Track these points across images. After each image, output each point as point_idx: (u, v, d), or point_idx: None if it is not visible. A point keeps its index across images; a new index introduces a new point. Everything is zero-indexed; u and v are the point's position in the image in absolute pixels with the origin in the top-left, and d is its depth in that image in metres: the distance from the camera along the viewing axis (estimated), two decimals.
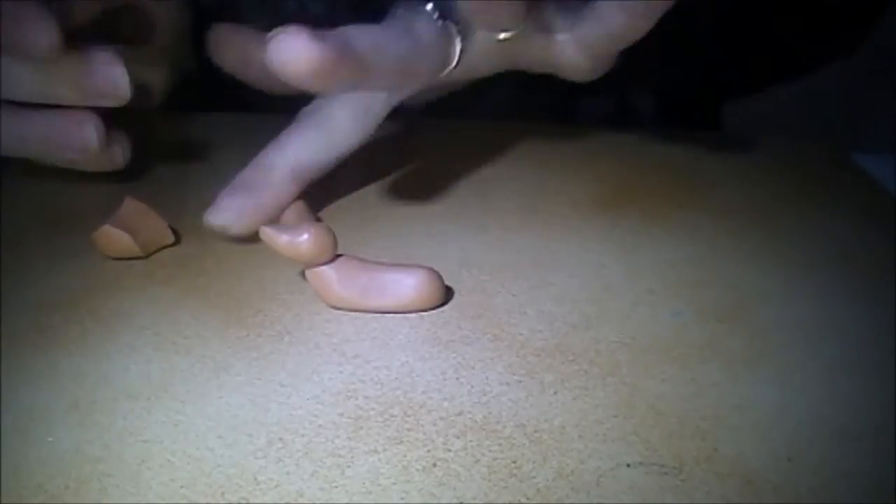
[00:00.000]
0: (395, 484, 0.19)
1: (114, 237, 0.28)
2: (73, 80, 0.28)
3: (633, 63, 0.31)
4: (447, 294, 0.26)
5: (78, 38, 0.29)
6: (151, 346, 0.24)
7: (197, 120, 0.42)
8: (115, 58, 0.28)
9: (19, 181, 0.35)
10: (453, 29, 0.28)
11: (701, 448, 0.20)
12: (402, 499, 0.19)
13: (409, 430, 0.21)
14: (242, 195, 0.28)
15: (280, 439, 0.20)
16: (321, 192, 0.34)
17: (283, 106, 0.45)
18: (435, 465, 0.20)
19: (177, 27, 0.39)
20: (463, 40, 0.28)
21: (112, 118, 0.32)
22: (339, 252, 0.25)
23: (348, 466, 0.19)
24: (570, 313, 0.26)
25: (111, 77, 0.28)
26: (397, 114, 0.32)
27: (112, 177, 0.35)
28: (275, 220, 0.28)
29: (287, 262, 0.26)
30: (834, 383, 0.23)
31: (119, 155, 0.32)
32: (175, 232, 0.30)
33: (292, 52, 0.22)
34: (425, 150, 0.38)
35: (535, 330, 0.25)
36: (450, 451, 0.20)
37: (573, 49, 0.30)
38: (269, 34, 0.22)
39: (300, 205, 0.30)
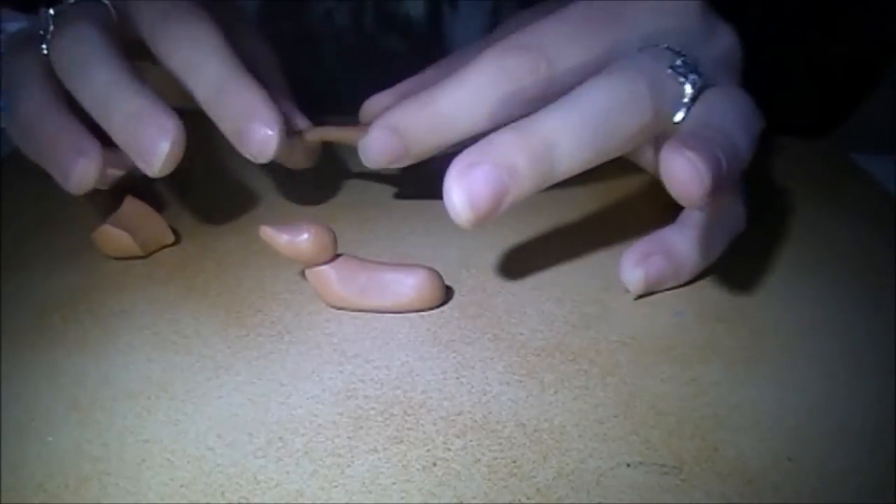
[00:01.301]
0: (394, 483, 0.19)
1: (114, 237, 0.28)
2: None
3: None
4: (447, 294, 0.26)
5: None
6: (151, 345, 0.24)
7: (196, 119, 0.42)
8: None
9: (19, 181, 0.35)
10: None
11: (701, 448, 0.20)
12: (402, 498, 0.19)
13: (409, 429, 0.21)
14: None
15: (280, 439, 0.20)
16: (321, 193, 0.34)
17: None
18: (435, 464, 0.20)
19: None
20: None
21: None
22: (339, 252, 0.25)
23: (348, 466, 0.19)
24: (570, 313, 0.26)
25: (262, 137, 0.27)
26: None
27: None
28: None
29: (287, 261, 0.26)
30: (834, 383, 0.23)
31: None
32: (175, 232, 0.30)
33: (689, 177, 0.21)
34: None
35: (535, 330, 0.25)
36: (450, 450, 0.20)
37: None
38: (670, 147, 0.21)
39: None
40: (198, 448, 0.20)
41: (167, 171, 0.26)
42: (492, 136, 0.23)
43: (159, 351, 0.24)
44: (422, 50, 0.45)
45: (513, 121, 0.25)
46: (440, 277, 0.26)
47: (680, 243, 0.26)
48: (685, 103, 0.25)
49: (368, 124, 0.28)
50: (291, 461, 0.20)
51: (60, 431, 0.21)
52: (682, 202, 0.22)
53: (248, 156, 0.28)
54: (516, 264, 0.28)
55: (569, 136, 0.23)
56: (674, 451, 0.20)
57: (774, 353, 0.24)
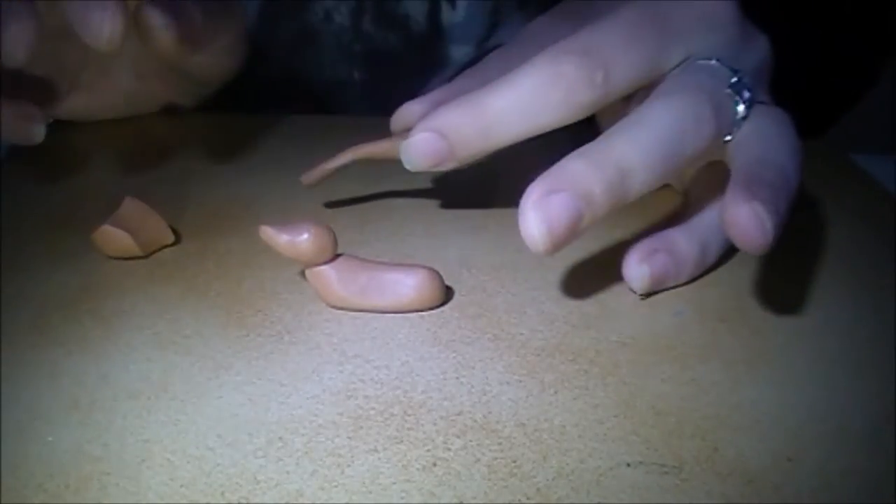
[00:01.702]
0: (395, 483, 0.19)
1: (114, 237, 0.28)
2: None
3: None
4: (447, 294, 0.26)
5: None
6: (151, 345, 0.24)
7: (196, 120, 0.42)
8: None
9: (19, 181, 0.35)
10: None
11: (701, 448, 0.20)
12: (402, 498, 0.19)
13: (409, 429, 0.21)
14: None
15: (280, 439, 0.20)
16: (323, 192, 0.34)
17: (283, 107, 0.45)
18: (435, 464, 0.20)
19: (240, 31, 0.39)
20: None
21: (26, 95, 0.30)
22: (339, 252, 0.25)
23: (348, 466, 0.19)
24: (570, 313, 0.26)
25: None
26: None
27: (112, 177, 0.35)
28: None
29: (287, 261, 0.26)
30: (834, 383, 0.23)
31: (31, 132, 0.30)
32: (175, 232, 0.30)
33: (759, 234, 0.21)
34: None
35: (535, 330, 0.25)
36: (450, 450, 0.20)
37: None
38: (731, 203, 0.22)
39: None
40: (198, 448, 0.20)
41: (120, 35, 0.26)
42: (566, 162, 0.23)
43: (159, 351, 0.24)
44: (421, 50, 0.45)
45: (561, 127, 0.25)
46: (440, 277, 0.26)
47: (682, 242, 0.26)
48: (738, 122, 0.25)
49: (400, 133, 0.27)
50: (291, 461, 0.20)
51: (60, 431, 0.21)
52: (741, 249, 0.22)
53: (93, 44, 0.27)
54: (516, 264, 0.28)
55: (641, 161, 0.22)
56: (674, 451, 0.20)
57: (774, 353, 0.24)
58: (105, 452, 0.20)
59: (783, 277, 0.28)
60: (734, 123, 0.25)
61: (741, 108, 0.25)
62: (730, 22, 0.26)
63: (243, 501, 0.18)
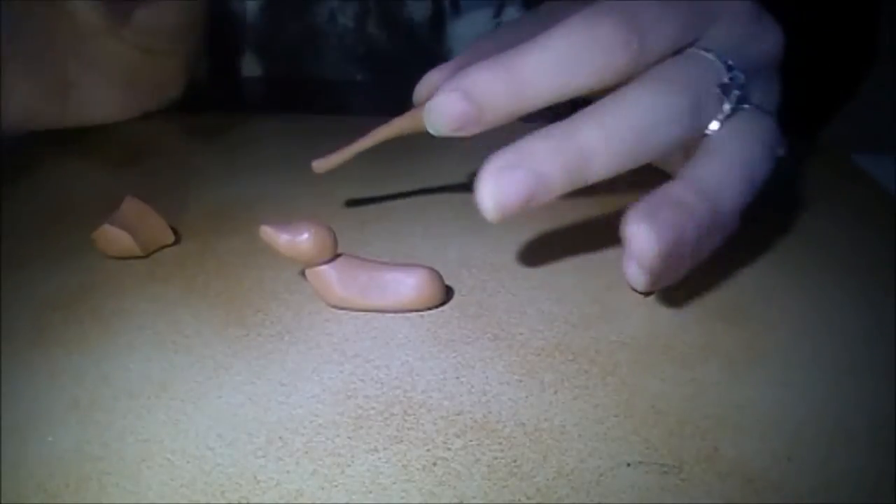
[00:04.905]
0: (395, 483, 0.19)
1: (114, 237, 0.28)
2: None
3: None
4: (447, 293, 0.26)
5: None
6: (151, 345, 0.24)
7: (197, 120, 0.42)
8: None
9: (19, 179, 0.35)
10: None
11: (701, 447, 0.20)
12: (402, 498, 0.19)
13: (409, 429, 0.21)
14: None
15: (280, 438, 0.20)
16: (324, 192, 0.34)
17: (286, 108, 0.45)
18: (435, 464, 0.20)
19: (199, 31, 0.39)
20: None
21: None
22: (339, 252, 0.25)
23: (348, 465, 0.19)
24: (570, 313, 0.26)
25: None
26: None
27: (112, 177, 0.35)
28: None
29: (287, 261, 0.26)
30: (834, 383, 0.23)
31: None
32: (175, 231, 0.30)
33: None
34: (426, 148, 0.38)
35: (535, 329, 0.25)
36: (450, 450, 0.20)
37: None
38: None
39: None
40: (198, 448, 0.20)
41: None
42: (529, 139, 0.23)
43: (159, 350, 0.24)
44: (424, 52, 0.45)
45: (593, 93, 0.24)
46: (440, 277, 0.26)
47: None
48: (721, 119, 0.25)
49: (423, 105, 0.27)
50: (291, 461, 0.20)
51: (60, 431, 0.21)
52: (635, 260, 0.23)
53: None
54: (516, 264, 0.28)
55: (605, 148, 0.22)
56: (674, 450, 0.20)
57: (774, 353, 0.24)
58: (105, 452, 0.20)
59: (783, 277, 0.28)
60: (718, 121, 0.25)
61: (727, 107, 0.24)
62: (749, 10, 0.26)
63: (243, 501, 0.18)
